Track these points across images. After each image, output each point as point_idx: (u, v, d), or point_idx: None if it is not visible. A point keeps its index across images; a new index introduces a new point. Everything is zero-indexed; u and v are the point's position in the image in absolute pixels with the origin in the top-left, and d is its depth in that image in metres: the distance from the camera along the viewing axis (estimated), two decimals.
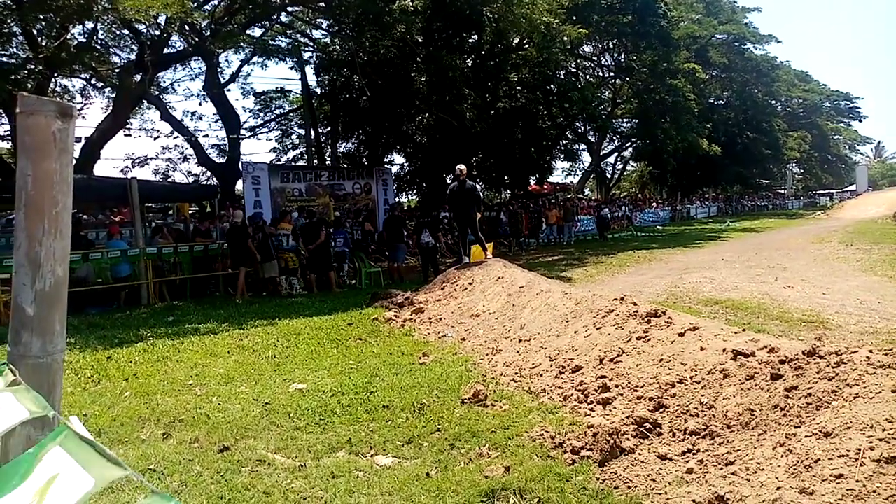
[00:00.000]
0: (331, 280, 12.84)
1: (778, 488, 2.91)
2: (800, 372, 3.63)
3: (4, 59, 15.68)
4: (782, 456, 3.10)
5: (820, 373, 3.53)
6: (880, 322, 7.35)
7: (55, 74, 19.11)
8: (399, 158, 29.90)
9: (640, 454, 3.62)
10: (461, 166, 11.40)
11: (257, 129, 30.48)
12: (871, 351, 3.55)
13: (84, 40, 17.41)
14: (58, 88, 23.45)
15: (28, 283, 1.41)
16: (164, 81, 25.10)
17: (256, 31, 22.15)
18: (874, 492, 2.63)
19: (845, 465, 2.83)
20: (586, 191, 46.69)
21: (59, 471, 0.95)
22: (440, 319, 8.31)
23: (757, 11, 44.48)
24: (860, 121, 69.08)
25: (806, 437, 3.13)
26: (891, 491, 2.61)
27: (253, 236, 12.90)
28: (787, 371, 3.70)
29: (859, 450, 2.85)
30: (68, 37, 15.43)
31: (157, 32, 17.85)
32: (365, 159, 25.26)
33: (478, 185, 13.24)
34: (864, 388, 3.26)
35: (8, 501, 0.91)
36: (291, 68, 24.75)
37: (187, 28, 17.64)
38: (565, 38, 24.55)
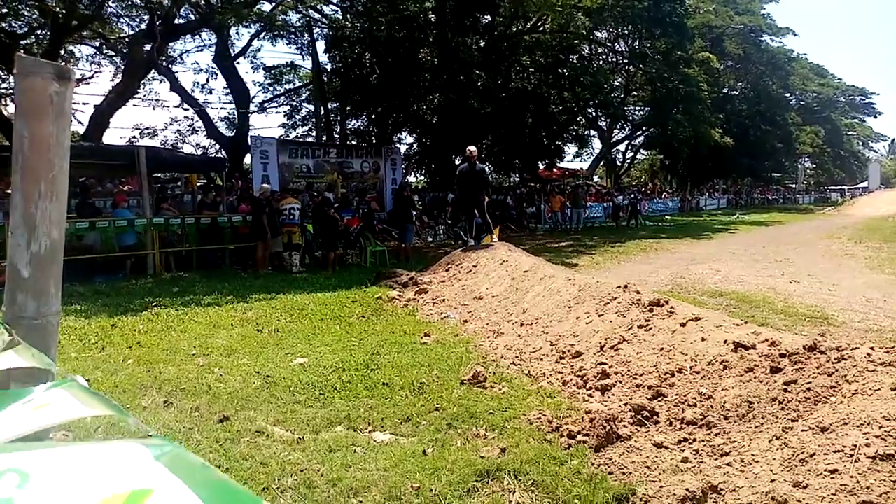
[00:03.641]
0: (329, 260, 12.82)
1: (772, 481, 2.91)
2: (800, 366, 3.62)
3: (15, 24, 15.63)
4: (778, 449, 3.09)
5: (820, 368, 3.51)
6: (885, 320, 7.30)
7: (65, 41, 19.08)
8: (408, 138, 29.82)
9: (636, 441, 3.62)
10: (472, 148, 11.31)
11: (267, 104, 30.40)
12: (872, 348, 3.53)
13: (95, 8, 17.31)
14: (67, 56, 23.43)
15: (23, 245, 1.40)
16: (174, 52, 25.02)
17: (267, 7, 22.04)
18: (867, 488, 2.62)
19: (840, 461, 2.82)
20: (596, 177, 46.44)
21: (58, 401, 0.95)
22: (443, 300, 8.32)
23: (774, 2, 44.01)
24: (875, 117, 68.40)
25: (802, 431, 3.12)
26: (885, 488, 2.60)
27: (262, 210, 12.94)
28: (787, 365, 3.68)
29: (855, 446, 2.84)
30: (79, 4, 15.37)
31: (167, 2, 17.75)
32: (374, 138, 25.17)
33: (487, 168, 13.15)
34: (864, 384, 3.25)
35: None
36: (299, 47, 24.49)
37: None
38: (580, 18, 24.31)
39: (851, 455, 2.84)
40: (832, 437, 2.99)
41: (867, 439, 2.86)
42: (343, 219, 13.77)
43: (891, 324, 7.11)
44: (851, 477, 2.73)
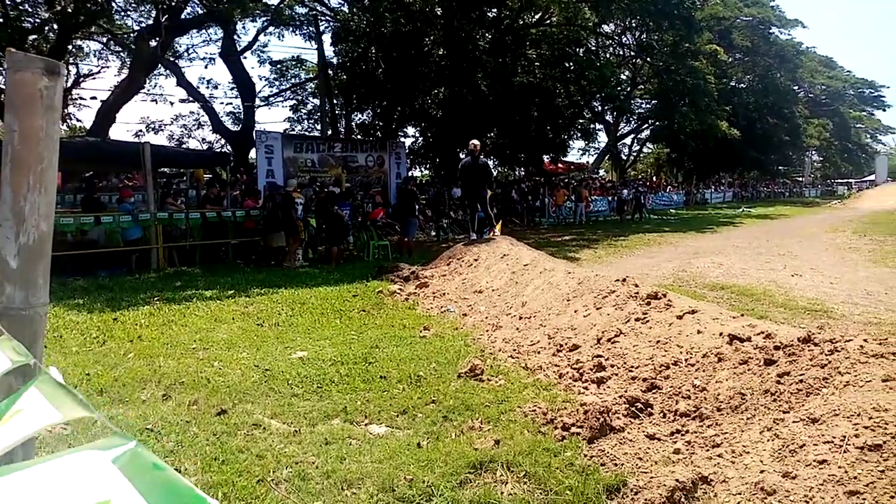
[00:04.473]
0: (333, 254, 12.87)
1: (762, 471, 2.93)
2: (793, 358, 3.63)
3: (21, 18, 15.71)
4: (769, 440, 3.12)
5: (813, 360, 3.53)
6: (885, 313, 7.30)
7: (73, 37, 19.16)
8: (413, 132, 29.83)
9: (629, 433, 3.65)
10: (475, 141, 11.32)
11: (272, 98, 30.46)
12: (865, 340, 3.54)
13: (102, 3, 17.37)
14: (75, 51, 23.56)
15: (12, 237, 1.43)
16: (181, 47, 25.09)
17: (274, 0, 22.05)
18: (855, 478, 2.65)
19: (829, 452, 2.84)
20: (601, 171, 46.34)
21: (29, 406, 0.98)
22: (444, 294, 8.35)
23: None
24: (884, 110, 68.02)
25: (794, 422, 3.14)
26: (871, 478, 2.62)
27: (264, 205, 13.00)
28: (781, 357, 3.70)
29: (844, 437, 2.86)
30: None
31: None
32: (379, 132, 25.17)
33: (490, 162, 13.16)
34: (856, 376, 3.26)
35: None
36: (307, 39, 24.49)
37: None
38: (587, 12, 24.20)
39: (840, 446, 2.86)
40: (822, 429, 3.01)
41: (856, 430, 2.88)
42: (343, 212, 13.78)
43: (890, 317, 7.11)
44: (840, 467, 2.75)
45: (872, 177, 67.95)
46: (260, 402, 4.47)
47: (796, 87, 52.32)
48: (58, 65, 1.55)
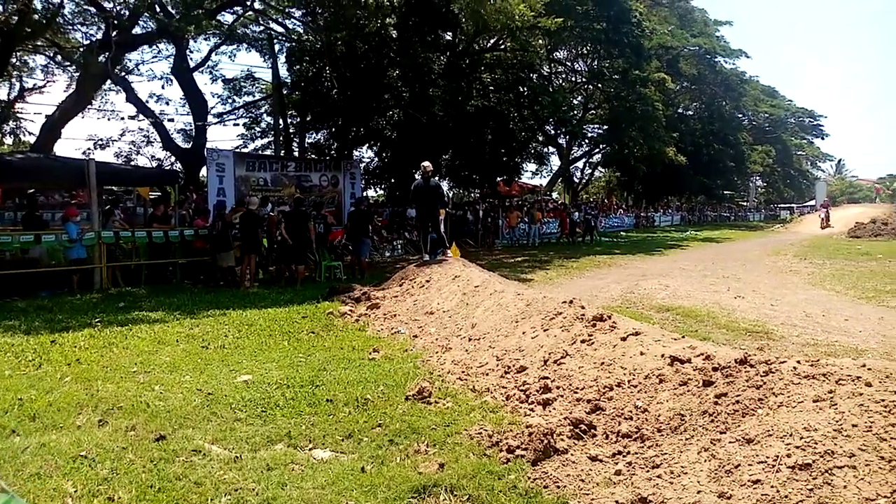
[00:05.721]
0: (298, 274, 12.69)
1: (699, 492, 2.99)
2: (731, 379, 3.73)
3: None
4: (706, 460, 3.18)
5: (749, 381, 3.63)
6: (822, 335, 7.56)
7: (16, 49, 18.61)
8: (368, 152, 29.82)
9: (572, 455, 3.68)
10: (426, 164, 11.39)
11: (225, 116, 30.02)
12: (798, 361, 3.65)
13: (49, 15, 16.94)
14: (20, 65, 22.89)
15: None
16: (131, 62, 24.60)
17: (229, 18, 21.89)
18: (786, 497, 2.72)
19: (763, 471, 2.92)
20: (554, 193, 47.06)
21: None
22: (395, 315, 8.32)
23: (728, 25, 45.34)
24: (822, 138, 71.26)
25: (730, 442, 3.21)
26: (801, 496, 2.70)
27: (213, 224, 12.75)
28: (719, 378, 3.79)
29: (777, 456, 2.95)
30: (30, 10, 15.04)
31: (126, 12, 17.48)
32: (333, 151, 25.07)
33: (443, 184, 13.24)
34: (789, 397, 3.36)
35: None
36: (263, 57, 24.32)
37: (157, 8, 17.28)
38: (541, 40, 24.72)
39: (773, 465, 2.94)
40: (757, 449, 3.09)
41: (788, 450, 2.97)
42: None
43: (827, 338, 7.37)
44: (772, 487, 2.82)
45: (813, 202, 70.71)
46: (201, 427, 4.35)
47: (741, 115, 54.38)
48: None
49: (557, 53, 32.09)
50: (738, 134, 49.36)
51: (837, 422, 2.98)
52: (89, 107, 22.84)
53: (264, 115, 30.04)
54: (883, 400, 3.02)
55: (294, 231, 12.63)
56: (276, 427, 4.33)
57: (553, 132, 35.45)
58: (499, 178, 29.69)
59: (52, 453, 3.83)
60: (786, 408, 3.31)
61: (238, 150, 23.52)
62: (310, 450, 3.98)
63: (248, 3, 20.87)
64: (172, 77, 22.98)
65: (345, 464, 3.71)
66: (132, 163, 27.51)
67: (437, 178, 13.29)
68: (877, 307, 9.78)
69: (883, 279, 12.94)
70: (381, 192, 31.73)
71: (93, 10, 18.85)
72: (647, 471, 3.33)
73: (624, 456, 3.56)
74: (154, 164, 28.48)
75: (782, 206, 70.75)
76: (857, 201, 71.38)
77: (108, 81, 22.35)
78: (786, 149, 64.11)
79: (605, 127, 34.30)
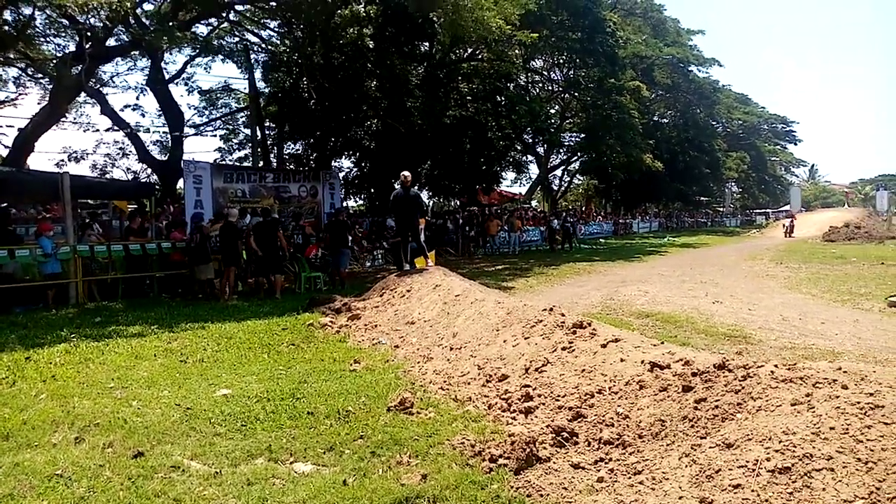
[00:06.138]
0: (276, 284, 12.59)
1: (680, 497, 3.01)
2: (710, 385, 3.76)
3: None
4: (687, 466, 3.20)
5: (727, 386, 3.66)
6: (799, 338, 7.67)
7: None
8: (347, 163, 29.76)
9: (555, 463, 3.68)
10: (405, 173, 11.41)
11: (202, 127, 29.82)
12: (776, 366, 3.70)
13: (20, 26, 16.69)
14: None
15: None
16: (105, 74, 24.34)
17: (204, 30, 21.77)
18: (767, 500, 2.75)
19: (743, 476, 2.94)
20: (533, 202, 47.30)
21: None
22: (376, 326, 8.28)
23: (701, 34, 46.17)
24: (795, 144, 72.66)
25: (710, 447, 3.24)
26: (782, 500, 2.72)
27: (191, 237, 12.62)
28: (699, 383, 3.83)
29: (757, 461, 2.97)
30: (1, 21, 14.83)
31: (100, 24, 17.29)
32: (312, 162, 24.97)
33: (422, 193, 13.27)
34: (767, 401, 3.40)
35: None
36: (240, 68, 24.20)
37: (132, 21, 17.13)
38: (517, 50, 24.91)
39: (753, 470, 2.96)
40: (737, 453, 3.12)
41: (768, 454, 3.00)
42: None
43: (804, 341, 7.47)
44: (752, 491, 2.85)
45: (788, 207, 71.89)
46: (180, 442, 4.29)
47: (715, 123, 55.27)
48: None
49: (534, 63, 32.38)
50: (713, 141, 50.14)
51: (815, 425, 3.02)
52: (63, 119, 22.53)
53: (242, 126, 29.90)
54: (859, 402, 3.06)
55: (263, 241, 12.51)
56: (257, 441, 4.28)
57: (531, 141, 35.68)
58: (478, 187, 29.77)
59: (27, 473, 3.75)
60: (764, 412, 3.34)
61: (216, 163, 23.30)
62: (291, 463, 3.94)
63: (224, 15, 20.78)
64: (148, 89, 22.78)
65: (326, 477, 3.68)
66: (107, 175, 27.19)
67: (416, 188, 13.25)
68: (852, 310, 9.95)
69: (857, 282, 13.17)
70: (360, 202, 31.63)
71: (65, 21, 18.62)
72: (629, 477, 3.34)
73: (606, 463, 3.57)
74: (130, 176, 28.18)
75: (758, 211, 71.79)
76: (830, 206, 72.83)
77: (83, 94, 22.09)
78: (760, 155, 65.22)
79: (583, 135, 34.60)
